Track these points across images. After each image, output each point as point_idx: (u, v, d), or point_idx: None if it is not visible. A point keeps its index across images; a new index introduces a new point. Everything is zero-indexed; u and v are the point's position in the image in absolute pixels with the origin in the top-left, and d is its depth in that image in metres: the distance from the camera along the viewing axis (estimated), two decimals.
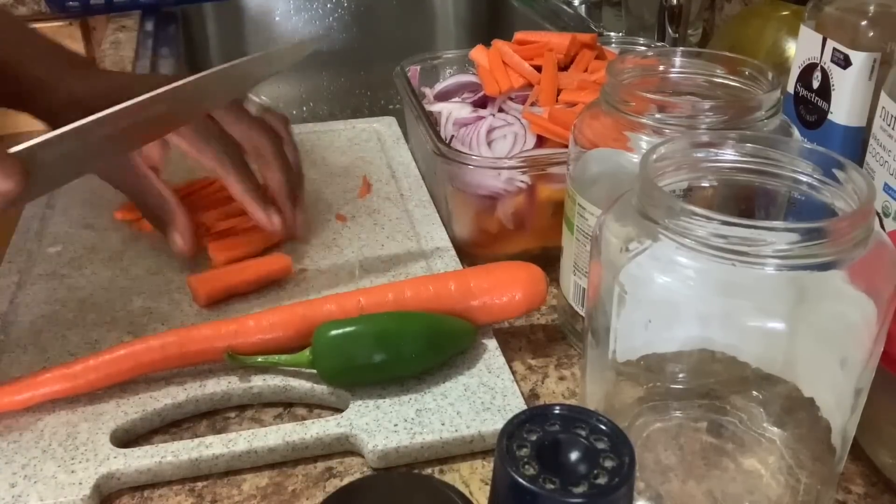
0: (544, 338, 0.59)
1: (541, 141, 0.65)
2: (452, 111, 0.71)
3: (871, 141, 0.47)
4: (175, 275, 0.63)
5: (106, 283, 0.62)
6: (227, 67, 0.58)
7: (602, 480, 0.30)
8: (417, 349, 0.51)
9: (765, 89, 0.50)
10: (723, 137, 0.42)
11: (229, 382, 0.52)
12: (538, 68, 0.69)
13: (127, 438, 0.50)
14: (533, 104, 0.68)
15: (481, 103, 0.72)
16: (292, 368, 0.53)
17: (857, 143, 0.55)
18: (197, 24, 1.32)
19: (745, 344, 0.40)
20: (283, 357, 0.52)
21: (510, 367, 0.53)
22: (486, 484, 0.47)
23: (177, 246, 0.62)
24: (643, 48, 0.80)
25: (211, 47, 1.34)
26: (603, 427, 0.32)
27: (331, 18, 1.38)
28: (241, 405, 0.52)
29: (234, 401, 0.52)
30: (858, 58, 0.53)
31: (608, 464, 0.31)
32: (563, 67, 0.70)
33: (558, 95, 0.67)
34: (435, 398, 0.51)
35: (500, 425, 0.48)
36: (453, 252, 0.65)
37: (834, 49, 0.55)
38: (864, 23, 0.53)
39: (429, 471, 0.48)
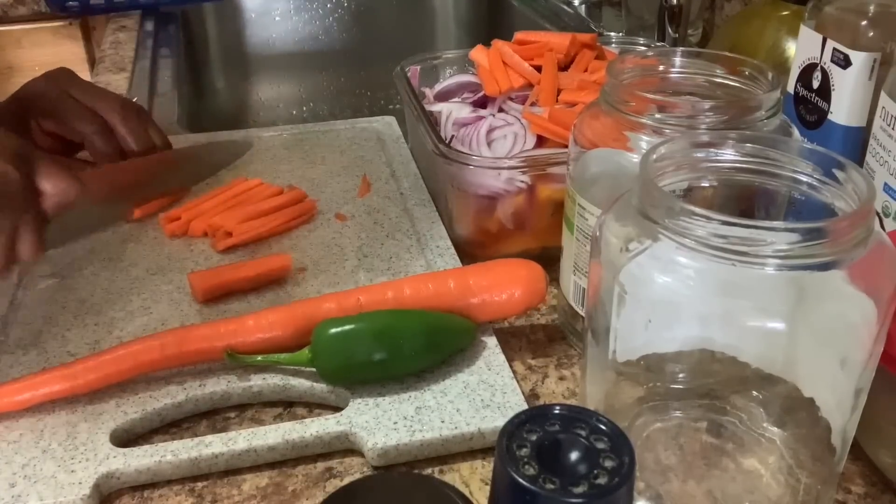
0: (544, 338, 0.59)
1: (541, 141, 0.65)
2: (452, 111, 0.71)
3: (871, 141, 0.47)
4: (175, 275, 0.63)
5: (106, 284, 0.62)
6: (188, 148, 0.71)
7: (602, 480, 0.30)
8: (417, 347, 0.51)
9: (765, 89, 0.50)
10: (723, 137, 0.42)
11: (229, 382, 0.52)
12: (538, 68, 0.69)
13: (127, 438, 0.50)
14: (533, 104, 0.68)
15: (481, 103, 0.72)
16: (292, 367, 0.53)
17: (857, 143, 0.55)
18: (197, 24, 1.32)
19: (745, 344, 0.40)
20: (283, 356, 0.52)
21: (510, 367, 0.53)
22: (486, 484, 0.47)
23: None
24: (643, 48, 0.80)
25: (211, 47, 1.34)
26: (603, 427, 0.32)
27: (331, 18, 1.39)
28: (240, 405, 0.52)
29: (233, 400, 0.52)
30: (858, 58, 0.53)
31: (608, 464, 0.31)
32: (563, 67, 0.70)
33: (558, 95, 0.67)
34: (435, 396, 0.51)
35: (500, 422, 0.48)
36: (453, 251, 0.65)
37: (834, 49, 0.55)
38: (864, 23, 0.53)
39: (429, 470, 0.48)
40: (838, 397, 0.40)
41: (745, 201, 0.43)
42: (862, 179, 0.37)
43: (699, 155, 0.42)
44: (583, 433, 0.32)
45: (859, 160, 0.48)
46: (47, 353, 0.55)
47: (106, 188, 0.66)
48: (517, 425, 0.32)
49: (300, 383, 0.52)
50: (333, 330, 0.51)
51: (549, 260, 0.59)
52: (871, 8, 0.54)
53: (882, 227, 0.45)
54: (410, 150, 0.82)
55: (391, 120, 0.88)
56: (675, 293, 0.37)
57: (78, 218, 0.62)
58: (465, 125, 0.69)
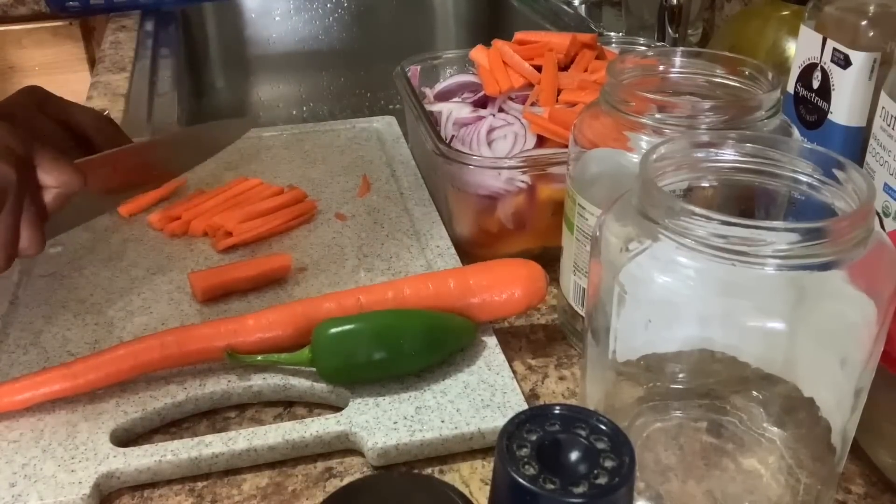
0: (544, 338, 0.59)
1: (541, 141, 0.65)
2: (452, 111, 0.71)
3: (871, 141, 0.47)
4: (175, 275, 0.63)
5: (106, 283, 0.62)
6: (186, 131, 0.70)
7: (602, 480, 0.30)
8: (417, 347, 0.51)
9: (765, 89, 0.50)
10: (723, 137, 0.42)
11: (229, 381, 0.52)
12: (538, 68, 0.69)
13: (127, 438, 0.50)
14: (533, 104, 0.68)
15: (481, 103, 0.72)
16: (292, 367, 0.53)
17: (857, 143, 0.55)
18: (197, 24, 1.32)
19: (745, 344, 0.40)
20: (283, 356, 0.52)
21: (510, 367, 0.53)
22: (486, 484, 0.47)
23: None
24: (643, 48, 0.80)
25: (211, 47, 1.34)
26: (603, 427, 0.32)
27: (331, 18, 1.38)
28: (240, 405, 0.52)
29: (233, 400, 0.52)
30: (858, 58, 0.53)
31: (608, 464, 0.31)
32: (564, 67, 0.70)
33: (558, 95, 0.67)
34: (434, 396, 0.51)
35: (499, 422, 0.48)
36: (453, 251, 0.65)
37: (834, 49, 0.55)
38: (864, 23, 0.54)
39: (429, 470, 0.48)
40: (838, 397, 0.40)
41: (745, 201, 0.43)
42: (862, 179, 0.37)
43: (699, 155, 0.42)
44: (583, 433, 0.32)
45: (859, 160, 0.48)
46: (47, 353, 0.55)
47: (105, 177, 0.65)
48: (517, 425, 0.32)
49: (300, 383, 0.52)
50: (333, 330, 0.51)
51: (549, 260, 0.59)
52: (871, 8, 0.54)
53: (882, 227, 0.45)
54: (410, 150, 0.82)
55: (391, 120, 0.88)
56: (675, 293, 0.37)
57: (75, 211, 0.62)
58: (466, 125, 0.69)
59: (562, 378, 0.55)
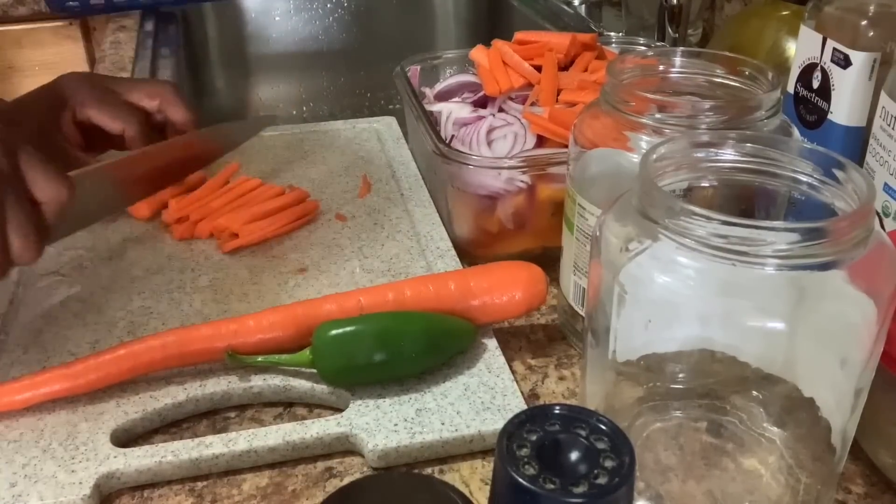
0: (544, 338, 0.59)
1: (541, 141, 0.65)
2: (452, 111, 0.71)
3: (871, 141, 0.47)
4: (175, 275, 0.63)
5: (106, 283, 0.63)
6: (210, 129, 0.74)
7: (602, 480, 0.30)
8: (417, 349, 0.51)
9: (765, 89, 0.50)
10: (723, 137, 0.42)
11: (229, 382, 0.52)
12: (538, 68, 0.69)
13: (127, 438, 0.50)
14: (533, 104, 0.68)
15: (481, 103, 0.72)
16: (292, 368, 0.53)
17: (857, 143, 0.55)
18: (197, 24, 1.32)
19: (745, 344, 0.40)
20: (284, 357, 0.52)
21: (510, 367, 0.53)
22: (486, 484, 0.47)
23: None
24: (643, 48, 0.80)
25: (211, 47, 1.34)
26: (603, 427, 0.32)
27: (331, 18, 1.38)
28: (241, 405, 0.52)
29: (234, 400, 0.52)
30: (858, 58, 0.53)
31: (608, 464, 0.31)
32: (564, 67, 0.70)
33: (558, 95, 0.67)
34: (435, 398, 0.51)
35: (499, 425, 0.48)
36: (453, 252, 0.65)
37: (834, 49, 0.55)
38: (864, 23, 0.53)
39: (429, 471, 0.48)
40: (838, 397, 0.40)
41: (745, 201, 0.43)
42: (862, 179, 0.37)
43: (699, 155, 0.42)
44: (583, 433, 0.32)
45: (859, 160, 0.48)
46: (47, 353, 0.55)
47: (122, 179, 0.66)
48: (517, 425, 0.32)
49: (301, 384, 0.52)
50: (334, 331, 0.51)
51: (549, 260, 0.59)
52: (871, 8, 0.54)
53: (882, 227, 0.45)
54: (410, 150, 0.82)
55: (391, 120, 0.88)
56: (675, 293, 0.37)
57: (97, 208, 0.63)
58: (465, 125, 0.69)
59: (562, 378, 0.55)
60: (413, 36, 1.42)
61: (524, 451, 0.31)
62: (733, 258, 0.35)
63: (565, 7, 1.23)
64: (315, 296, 0.58)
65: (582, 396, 0.47)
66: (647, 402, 0.47)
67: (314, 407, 0.52)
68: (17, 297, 0.61)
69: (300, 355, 0.51)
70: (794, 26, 0.61)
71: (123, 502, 0.46)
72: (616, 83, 0.50)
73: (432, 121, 0.69)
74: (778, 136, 0.46)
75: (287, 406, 0.53)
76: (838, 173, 0.39)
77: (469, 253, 0.66)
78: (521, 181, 0.62)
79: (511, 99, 0.70)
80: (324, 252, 0.66)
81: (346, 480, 0.47)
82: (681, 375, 0.47)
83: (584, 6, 1.23)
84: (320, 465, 0.49)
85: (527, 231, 0.65)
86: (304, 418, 0.51)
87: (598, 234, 0.41)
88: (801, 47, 0.59)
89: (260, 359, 0.52)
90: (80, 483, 0.45)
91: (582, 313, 0.56)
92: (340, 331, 0.51)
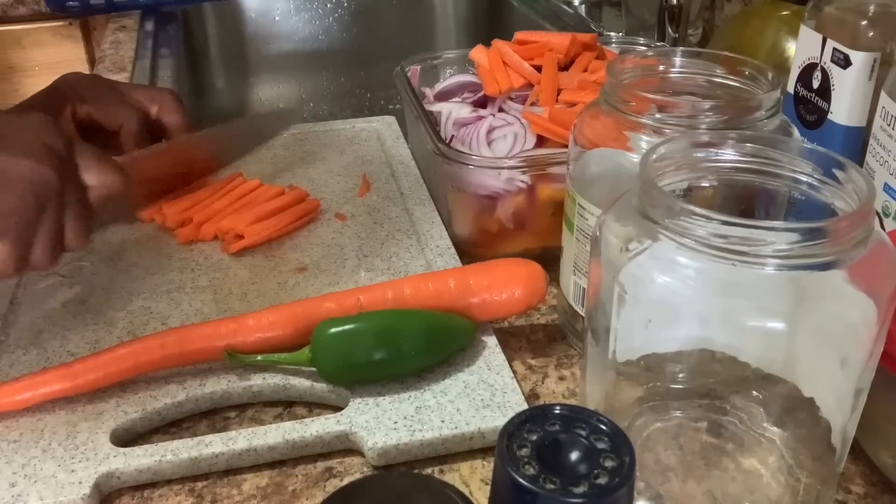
0: (544, 338, 0.59)
1: (541, 141, 0.65)
2: (452, 111, 0.71)
3: (871, 141, 0.47)
4: (175, 275, 0.63)
5: (106, 283, 0.63)
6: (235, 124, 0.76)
7: (602, 480, 0.30)
8: (417, 347, 0.51)
9: (765, 89, 0.50)
10: (723, 137, 0.42)
11: (229, 381, 0.52)
12: (538, 68, 0.69)
13: (127, 438, 0.50)
14: (533, 104, 0.68)
15: (481, 103, 0.72)
16: (292, 367, 0.53)
17: (857, 143, 0.55)
18: (197, 24, 1.32)
19: (745, 344, 0.40)
20: (283, 355, 0.52)
21: (510, 367, 0.53)
22: (486, 484, 0.47)
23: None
24: (643, 48, 0.80)
25: (211, 47, 1.34)
26: (603, 427, 0.32)
27: (331, 18, 1.38)
28: (241, 405, 0.52)
29: (233, 399, 0.52)
30: (858, 58, 0.53)
31: (608, 464, 0.31)
32: (564, 67, 0.70)
33: (558, 95, 0.67)
34: (434, 395, 0.51)
35: (499, 422, 0.48)
36: (453, 250, 0.65)
37: (834, 49, 0.55)
38: (864, 23, 0.54)
39: (429, 470, 0.48)
40: (838, 397, 0.40)
41: (745, 201, 0.43)
42: (862, 179, 0.37)
43: (699, 155, 0.42)
44: (583, 433, 0.32)
45: (859, 160, 0.48)
46: (47, 353, 0.55)
47: (149, 175, 0.67)
48: (517, 425, 0.32)
49: (300, 383, 0.52)
50: (333, 329, 0.51)
51: (549, 260, 0.59)
52: (871, 8, 0.54)
53: (882, 227, 0.45)
54: (410, 150, 0.82)
55: (391, 120, 0.88)
56: (675, 293, 0.37)
57: (117, 208, 0.63)
58: (465, 125, 0.69)
59: (562, 378, 0.55)
60: (413, 36, 1.42)
61: (524, 451, 0.31)
62: (733, 258, 0.35)
63: (565, 7, 1.23)
64: (315, 295, 0.58)
65: (582, 396, 0.47)
66: (647, 402, 0.47)
67: (314, 406, 0.52)
68: (17, 298, 0.61)
69: (299, 354, 0.51)
70: (794, 26, 0.61)
71: (123, 502, 0.46)
72: (616, 83, 0.50)
73: (432, 121, 0.69)
74: (778, 136, 0.46)
75: (287, 406, 0.53)
76: (838, 173, 0.39)
77: (469, 253, 0.66)
78: (521, 181, 0.62)
79: (511, 99, 0.70)
80: (323, 251, 0.66)
81: (346, 480, 0.47)
82: (681, 375, 0.47)
83: (584, 6, 1.23)
84: (320, 464, 0.49)
85: (527, 231, 0.65)
86: (303, 418, 0.50)
87: (598, 234, 0.41)
88: (801, 47, 0.59)
89: (259, 358, 0.52)
90: (80, 483, 0.45)
91: (582, 313, 0.56)
92: (340, 329, 0.51)
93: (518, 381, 0.52)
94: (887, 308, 0.37)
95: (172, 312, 0.59)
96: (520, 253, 0.59)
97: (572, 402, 0.51)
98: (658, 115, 0.48)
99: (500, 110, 0.70)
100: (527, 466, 0.30)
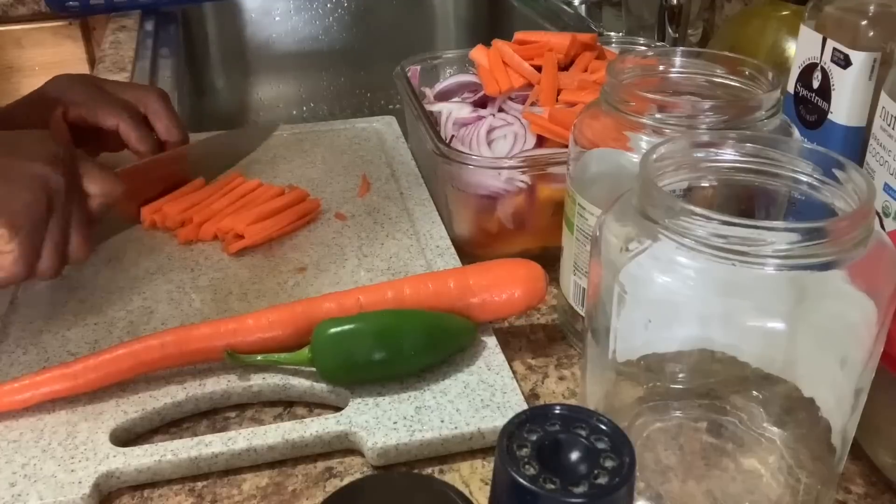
0: (544, 338, 0.59)
1: (541, 141, 0.65)
2: (452, 111, 0.71)
3: (871, 141, 0.47)
4: (175, 274, 0.63)
5: (105, 284, 0.62)
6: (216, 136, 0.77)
7: (602, 480, 0.30)
8: (417, 347, 0.51)
9: (765, 89, 0.50)
10: (723, 137, 0.42)
11: (229, 381, 0.52)
12: (538, 68, 0.69)
13: (126, 437, 0.50)
14: (533, 104, 0.68)
15: (481, 103, 0.72)
16: (292, 367, 0.53)
17: (857, 143, 0.55)
18: (197, 24, 1.32)
19: (745, 344, 0.40)
20: (283, 355, 0.52)
21: (510, 367, 0.53)
22: (486, 484, 0.47)
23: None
24: (643, 48, 0.80)
25: (211, 47, 1.34)
26: (603, 427, 0.32)
27: (331, 18, 1.39)
28: (240, 405, 0.52)
29: (233, 399, 0.52)
30: (858, 58, 0.53)
31: (608, 464, 0.31)
32: (564, 67, 0.70)
33: (558, 95, 0.67)
34: (434, 396, 0.51)
35: (499, 422, 0.48)
36: (453, 250, 0.65)
37: (834, 49, 0.55)
38: (864, 23, 0.54)
39: (429, 470, 0.48)
40: (838, 397, 0.40)
41: (745, 201, 0.43)
42: (862, 179, 0.37)
43: (699, 155, 0.42)
44: (583, 433, 0.32)
45: (859, 160, 0.48)
46: (47, 353, 0.55)
47: (141, 185, 0.67)
48: (517, 425, 0.32)
49: (300, 383, 0.52)
50: (333, 329, 0.51)
51: (549, 260, 0.59)
52: (871, 8, 0.54)
53: (882, 227, 0.45)
54: (410, 150, 0.82)
55: (391, 120, 0.88)
56: (675, 293, 0.37)
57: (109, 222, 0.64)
58: (465, 125, 0.69)
59: (562, 378, 0.55)
60: (413, 36, 1.42)
61: (524, 451, 0.31)
62: (733, 258, 0.35)
63: (565, 7, 1.23)
64: (314, 295, 0.58)
65: (582, 396, 0.47)
66: (647, 402, 0.47)
67: (314, 406, 0.52)
68: (17, 298, 0.61)
69: (299, 354, 0.51)
70: (794, 26, 0.61)
71: (123, 502, 0.46)
72: (616, 83, 0.50)
73: (432, 121, 0.69)
74: (778, 136, 0.46)
75: (287, 406, 0.53)
76: (838, 173, 0.39)
77: (469, 253, 0.66)
78: (521, 181, 0.62)
79: (511, 99, 0.70)
80: (323, 251, 0.66)
81: (346, 480, 0.47)
82: (681, 375, 0.47)
83: (584, 6, 1.23)
84: (320, 465, 0.49)
85: (527, 231, 0.65)
86: (303, 418, 0.50)
87: (598, 234, 0.41)
88: (801, 47, 0.59)
89: (259, 358, 0.52)
90: (80, 482, 0.45)
91: (582, 313, 0.56)
92: (339, 329, 0.51)
93: (518, 382, 0.52)
94: (887, 308, 0.37)
95: (172, 312, 0.59)
96: (520, 253, 0.59)
97: (572, 402, 0.51)
98: (658, 115, 0.48)
99: (500, 110, 0.70)
100: (527, 466, 0.30)
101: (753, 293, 0.36)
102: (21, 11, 1.36)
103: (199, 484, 0.47)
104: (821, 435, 0.41)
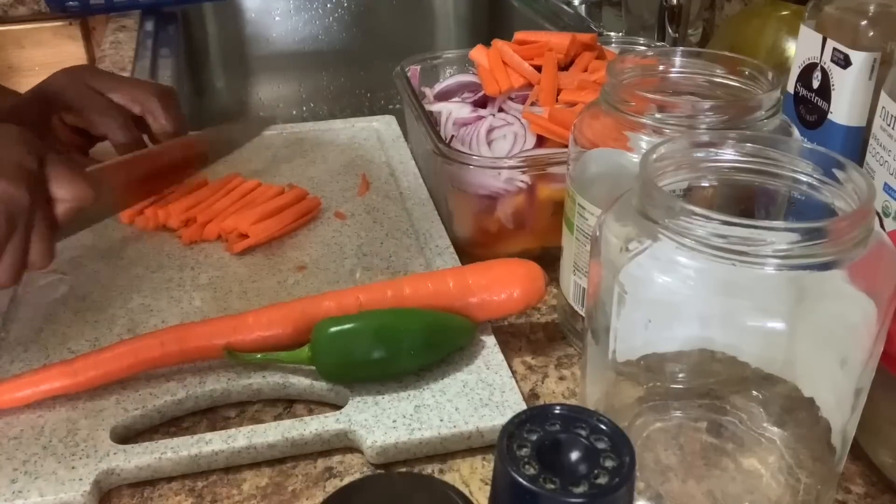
0: (544, 338, 0.59)
1: (541, 141, 0.65)
2: (452, 111, 0.71)
3: (871, 141, 0.47)
4: (175, 272, 0.63)
5: (106, 282, 0.63)
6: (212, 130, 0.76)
7: (602, 480, 0.30)
8: (416, 346, 0.51)
9: (765, 89, 0.50)
10: (723, 137, 0.42)
11: (229, 379, 0.52)
12: (538, 68, 0.69)
13: (127, 435, 0.50)
14: (533, 104, 0.68)
15: (481, 103, 0.72)
16: (291, 365, 0.53)
17: (857, 143, 0.55)
18: (197, 24, 1.32)
19: (745, 344, 0.40)
20: (282, 354, 0.52)
21: (510, 367, 0.53)
22: (486, 484, 0.47)
23: None
24: (643, 48, 0.80)
25: (211, 47, 1.34)
26: (603, 427, 0.32)
27: (331, 18, 1.38)
28: (240, 403, 0.52)
29: (233, 397, 0.52)
30: (858, 58, 0.53)
31: (608, 464, 0.31)
32: (564, 67, 0.70)
33: (558, 95, 0.67)
34: (433, 394, 0.51)
35: (498, 421, 0.48)
36: (452, 250, 0.65)
37: (834, 49, 0.55)
38: (864, 23, 0.54)
39: (429, 470, 0.48)
40: (838, 397, 0.40)
41: (745, 201, 0.43)
42: (862, 179, 0.38)
43: (699, 155, 0.42)
44: (583, 433, 0.32)
45: (859, 160, 0.48)
46: (48, 350, 0.55)
47: (122, 181, 0.67)
48: (517, 425, 0.32)
49: (300, 381, 0.52)
50: (333, 328, 0.51)
51: (549, 260, 0.59)
52: (871, 8, 0.54)
53: (882, 227, 0.45)
54: (410, 150, 0.82)
55: (391, 119, 0.88)
56: (675, 293, 0.37)
57: (88, 214, 0.63)
58: (465, 125, 0.69)
59: (562, 378, 0.55)
60: (413, 36, 1.42)
61: (524, 451, 0.31)
62: (733, 258, 0.35)
63: (565, 7, 1.23)
64: (314, 293, 0.58)
65: (582, 396, 0.47)
66: (647, 402, 0.47)
67: (314, 405, 0.52)
68: (17, 296, 0.61)
69: (299, 352, 0.51)
70: (794, 26, 0.61)
71: (123, 501, 0.46)
72: (616, 83, 0.50)
73: (432, 121, 0.69)
74: (778, 136, 0.46)
75: (287, 406, 0.53)
76: (838, 173, 0.39)
77: (469, 252, 0.66)
78: (521, 181, 0.62)
79: (511, 99, 0.70)
80: (323, 250, 0.66)
81: (346, 480, 0.47)
82: (681, 375, 0.47)
83: (584, 6, 1.23)
84: (320, 464, 0.49)
85: (527, 231, 0.65)
86: (303, 416, 0.50)
87: (598, 234, 0.41)
88: (801, 47, 0.59)
89: (259, 356, 0.52)
90: (80, 479, 0.45)
91: (582, 313, 0.56)
92: (339, 328, 0.51)
93: (518, 381, 0.52)
94: (887, 308, 0.37)
95: (172, 310, 0.59)
96: (519, 253, 0.59)
97: (572, 402, 0.51)
98: (658, 115, 0.48)
99: (500, 110, 0.70)
100: (527, 466, 0.30)
101: (753, 293, 0.36)
102: (21, 11, 1.36)
103: (200, 483, 0.47)
104: (821, 435, 0.41)
